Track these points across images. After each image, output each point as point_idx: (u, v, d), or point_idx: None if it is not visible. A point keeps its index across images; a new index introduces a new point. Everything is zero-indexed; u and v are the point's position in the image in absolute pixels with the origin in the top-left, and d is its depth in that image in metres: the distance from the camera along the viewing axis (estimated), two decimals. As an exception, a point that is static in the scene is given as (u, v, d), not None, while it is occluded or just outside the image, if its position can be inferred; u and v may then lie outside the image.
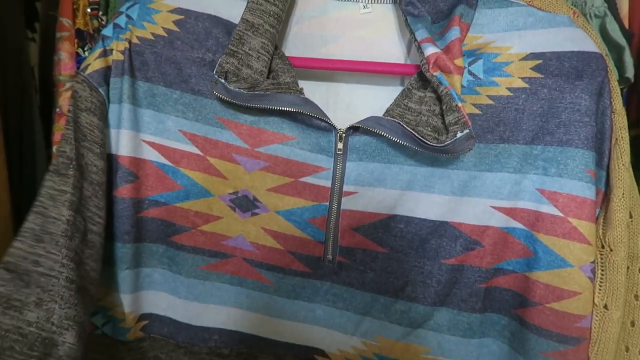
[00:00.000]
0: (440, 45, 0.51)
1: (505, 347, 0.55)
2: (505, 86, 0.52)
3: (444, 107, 0.49)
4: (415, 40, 0.52)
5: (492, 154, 0.52)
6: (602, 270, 0.50)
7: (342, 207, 0.54)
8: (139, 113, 0.56)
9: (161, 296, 0.60)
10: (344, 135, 0.53)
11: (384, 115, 0.52)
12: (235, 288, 0.59)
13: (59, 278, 0.48)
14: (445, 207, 0.53)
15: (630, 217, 0.51)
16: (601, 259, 0.50)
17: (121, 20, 0.56)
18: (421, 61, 0.51)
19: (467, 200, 0.53)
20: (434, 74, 0.50)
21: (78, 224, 0.50)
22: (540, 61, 0.51)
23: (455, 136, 0.48)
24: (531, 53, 0.52)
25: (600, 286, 0.50)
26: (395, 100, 0.53)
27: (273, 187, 0.55)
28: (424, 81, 0.52)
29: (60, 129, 0.69)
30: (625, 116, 0.51)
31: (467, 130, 0.47)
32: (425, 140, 0.49)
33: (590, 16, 0.64)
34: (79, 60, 0.68)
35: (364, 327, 0.57)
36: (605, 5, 0.63)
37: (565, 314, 0.50)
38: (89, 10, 0.70)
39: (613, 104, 0.51)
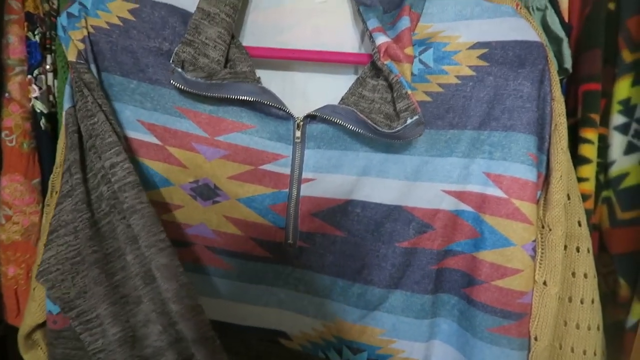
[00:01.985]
0: (391, 34, 0.53)
1: (454, 326, 0.58)
2: (454, 74, 0.54)
3: (394, 95, 0.52)
4: (367, 29, 0.54)
5: (442, 140, 0.54)
6: (542, 249, 0.53)
7: (301, 194, 0.56)
8: None
9: None
10: (301, 123, 0.54)
11: (339, 103, 0.54)
12: (198, 276, 0.59)
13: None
14: (399, 192, 0.55)
15: (568, 198, 0.54)
16: (541, 238, 0.53)
17: (74, 8, 0.55)
18: (373, 50, 0.53)
19: (419, 184, 0.55)
20: (385, 62, 0.52)
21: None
22: (486, 50, 0.54)
23: (406, 122, 0.50)
24: (478, 42, 0.54)
25: (540, 264, 0.53)
26: (349, 89, 0.55)
27: (233, 175, 0.56)
28: (376, 70, 0.54)
29: (9, 114, 0.68)
30: (563, 103, 0.54)
31: (417, 117, 0.50)
32: (378, 127, 0.50)
33: (532, 9, 0.67)
34: (28, 44, 0.67)
35: (324, 309, 0.59)
36: (546, -2, 0.66)
37: (508, 291, 0.53)
38: (38, -8, 0.68)
39: (553, 91, 0.54)
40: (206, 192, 0.57)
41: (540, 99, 0.53)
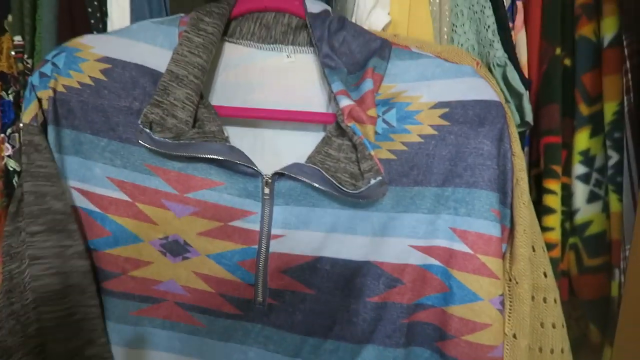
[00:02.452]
0: (355, 96, 0.55)
1: None
2: (416, 133, 0.56)
3: (358, 155, 0.53)
4: (332, 92, 0.55)
5: (408, 196, 0.55)
6: (510, 302, 0.54)
7: (270, 250, 0.56)
8: (66, 161, 0.56)
9: None
10: (269, 180, 0.55)
11: (306, 161, 0.55)
12: (167, 332, 0.58)
13: (99, 317, 0.57)
14: (367, 248, 0.55)
15: (533, 250, 0.56)
16: (509, 291, 0.54)
17: (47, 68, 0.56)
18: (337, 112, 0.55)
19: (387, 240, 0.55)
20: (349, 124, 0.53)
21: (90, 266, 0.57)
22: (447, 109, 0.55)
23: (369, 183, 0.51)
24: (439, 102, 0.56)
25: (509, 317, 0.54)
26: (316, 148, 0.55)
27: (203, 231, 0.56)
28: (341, 129, 0.55)
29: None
30: (523, 159, 0.56)
31: (380, 178, 0.51)
32: (343, 187, 0.51)
33: (493, 65, 0.69)
34: (2, 103, 0.67)
35: None
36: (506, 55, 0.69)
37: (478, 345, 0.53)
38: (13, 53, 0.69)
39: (513, 147, 0.55)
40: (176, 248, 0.57)
41: (500, 156, 0.55)
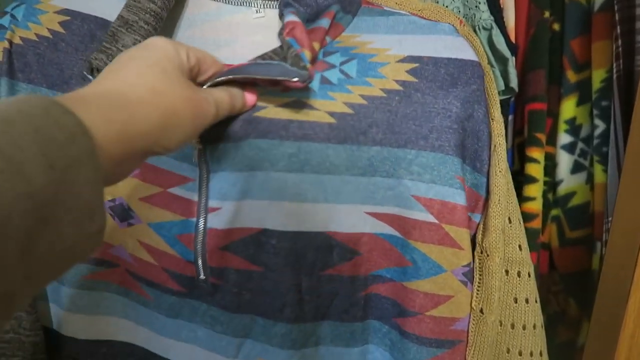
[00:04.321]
0: (306, 27, 0.50)
1: (387, 355, 0.55)
2: (378, 87, 0.51)
3: (289, 62, 0.47)
4: (282, 15, 0.51)
5: (364, 157, 0.50)
6: (480, 275, 0.52)
7: (208, 225, 0.50)
8: None
9: (50, 307, 0.56)
10: (199, 145, 0.50)
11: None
12: (122, 299, 0.56)
13: None
14: (319, 216, 0.50)
15: (510, 221, 0.53)
16: (479, 264, 0.52)
17: (5, 20, 0.54)
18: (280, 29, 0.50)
19: (340, 207, 0.50)
20: (287, 38, 0.48)
21: None
22: (417, 65, 0.51)
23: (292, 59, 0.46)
24: (409, 56, 0.52)
25: (477, 290, 0.51)
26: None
27: (144, 196, 0.52)
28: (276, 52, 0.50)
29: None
30: (502, 124, 0.52)
31: (306, 72, 0.45)
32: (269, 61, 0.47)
33: (478, 28, 0.66)
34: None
35: (245, 350, 0.54)
36: (492, 18, 0.66)
37: (441, 319, 0.51)
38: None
39: (491, 111, 0.52)
40: (121, 212, 0.53)
41: (472, 120, 0.51)
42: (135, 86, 0.38)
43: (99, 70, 0.50)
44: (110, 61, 0.50)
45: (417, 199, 0.50)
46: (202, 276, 0.52)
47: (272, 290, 0.51)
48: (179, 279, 0.53)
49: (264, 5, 0.57)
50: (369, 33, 0.53)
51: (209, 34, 0.58)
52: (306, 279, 0.52)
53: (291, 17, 0.49)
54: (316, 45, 0.49)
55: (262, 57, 0.50)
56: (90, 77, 0.50)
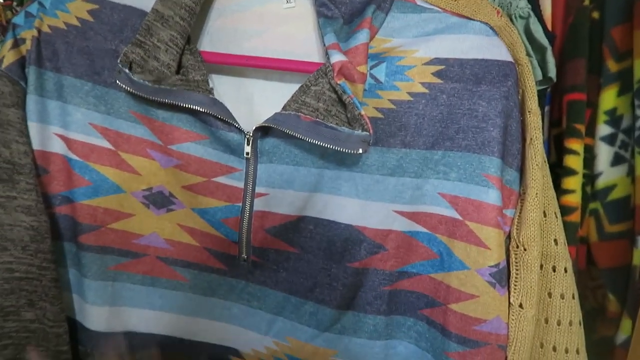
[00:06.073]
0: (346, 47, 0.50)
1: (411, 347, 0.55)
2: (406, 90, 0.52)
3: (348, 116, 0.49)
4: (324, 44, 0.51)
5: (394, 159, 0.52)
6: (517, 270, 0.50)
7: (254, 209, 0.54)
8: (49, 105, 0.53)
9: (73, 299, 0.57)
10: (251, 138, 0.52)
11: (281, 110, 0.51)
12: (147, 288, 0.57)
13: (41, 280, 0.51)
14: (351, 210, 0.53)
15: (545, 215, 0.52)
16: (515, 258, 0.51)
17: (33, 8, 0.54)
18: (327, 68, 0.50)
19: (370, 204, 0.53)
20: (339, 82, 0.49)
21: (44, 225, 0.51)
22: (443, 67, 0.51)
23: (354, 132, 0.47)
24: (435, 58, 0.51)
25: (515, 285, 0.50)
26: (292, 96, 0.51)
27: (187, 185, 0.54)
28: (321, 78, 0.51)
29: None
30: (539, 116, 0.51)
31: (366, 133, 0.47)
32: (333, 125, 0.48)
33: (515, 17, 0.65)
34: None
35: (276, 327, 0.57)
36: (529, 6, 0.64)
37: (463, 316, 0.51)
38: (1, 1, 0.67)
39: (528, 104, 0.51)
40: (160, 200, 0.55)
41: (501, 116, 0.50)
42: None
43: (134, 63, 0.50)
44: (147, 55, 0.51)
45: (442, 196, 0.52)
46: (244, 255, 0.55)
47: (305, 270, 0.55)
48: (221, 257, 0.56)
49: (294, -6, 0.57)
50: (400, 37, 0.53)
51: (239, 24, 0.58)
52: (334, 267, 0.54)
53: (335, 57, 0.49)
54: (362, 68, 0.50)
55: (325, 112, 0.50)
56: (126, 70, 0.50)
